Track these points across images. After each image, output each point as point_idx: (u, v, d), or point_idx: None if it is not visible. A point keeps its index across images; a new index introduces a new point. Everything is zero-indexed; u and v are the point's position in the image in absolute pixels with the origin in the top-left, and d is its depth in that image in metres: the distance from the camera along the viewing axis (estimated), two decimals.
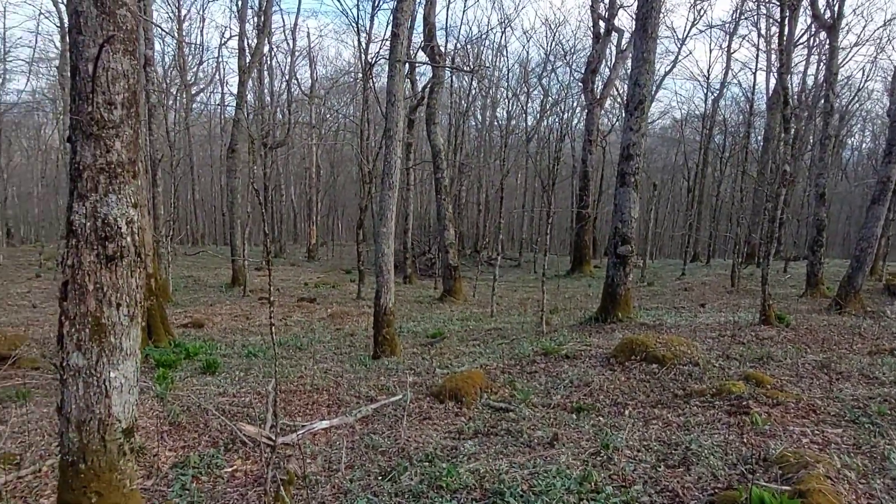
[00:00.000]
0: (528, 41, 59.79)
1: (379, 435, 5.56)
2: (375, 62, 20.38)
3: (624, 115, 10.98)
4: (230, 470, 5.01)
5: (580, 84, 27.69)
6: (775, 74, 23.00)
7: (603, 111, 28.97)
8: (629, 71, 12.09)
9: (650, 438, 5.02)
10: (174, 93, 33.11)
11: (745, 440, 4.76)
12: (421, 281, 22.83)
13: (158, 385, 6.78)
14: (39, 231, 29.81)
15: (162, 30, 24.81)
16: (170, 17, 32.11)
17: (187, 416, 6.01)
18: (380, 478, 4.51)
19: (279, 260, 29.55)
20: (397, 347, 9.26)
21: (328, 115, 38.27)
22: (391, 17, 10.13)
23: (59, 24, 25.96)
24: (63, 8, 25.62)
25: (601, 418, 5.75)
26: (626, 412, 5.87)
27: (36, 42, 43.50)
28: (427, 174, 33.19)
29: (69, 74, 3.11)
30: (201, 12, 41.77)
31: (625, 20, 42.12)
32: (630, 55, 24.43)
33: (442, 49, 20.25)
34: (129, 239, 3.16)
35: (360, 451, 5.19)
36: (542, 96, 35.87)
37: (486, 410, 6.19)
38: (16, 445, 5.24)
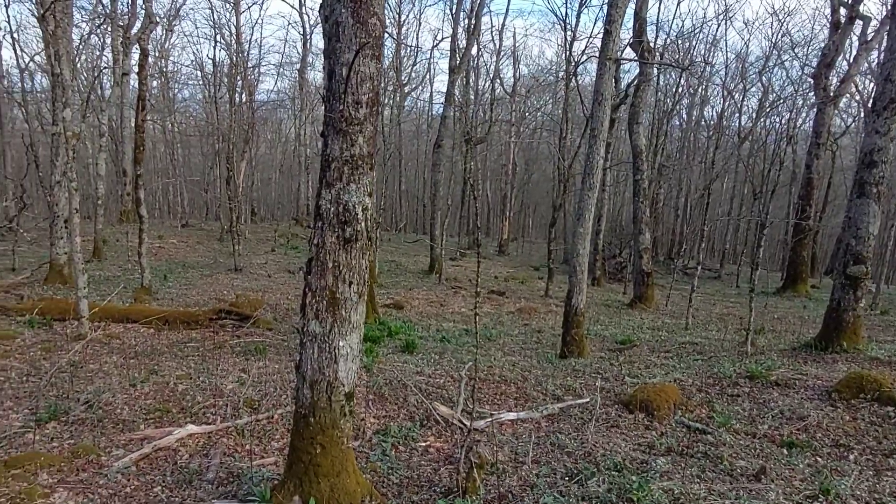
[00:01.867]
0: (749, 33, 54.15)
1: (565, 435, 5.53)
2: (582, 60, 20.07)
3: (865, 115, 9.42)
4: (424, 444, 5.37)
5: (810, 80, 24.40)
6: None
7: (836, 111, 25.21)
8: (876, 65, 10.34)
9: (883, 492, 4.32)
10: (390, 91, 36.06)
11: None
12: (609, 284, 22.09)
13: (366, 357, 7.48)
14: (276, 211, 34.68)
15: (389, 35, 27.13)
16: (390, 22, 34.94)
17: (389, 389, 6.55)
18: (566, 478, 4.49)
19: (471, 252, 30.74)
20: (585, 349, 9.10)
21: (528, 114, 38.65)
22: (604, 14, 9.89)
23: (301, 33, 29.71)
24: (307, 19, 29.26)
25: (819, 459, 5.08)
26: (852, 457, 5.11)
27: (284, 48, 50.29)
28: (623, 175, 31.90)
29: (326, 77, 3.55)
30: (418, 17, 44.69)
31: (871, 6, 36.12)
32: (879, 46, 20.83)
33: (651, 44, 19.29)
34: (363, 224, 3.54)
35: (546, 448, 5.22)
36: (760, 93, 32.33)
37: (679, 428, 5.83)
38: (255, 392, 6.18)
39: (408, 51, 35.68)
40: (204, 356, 7.69)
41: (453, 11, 24.35)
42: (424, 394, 6.49)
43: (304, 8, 29.53)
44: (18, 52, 22.20)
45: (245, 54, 24.82)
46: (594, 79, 12.54)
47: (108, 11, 17.38)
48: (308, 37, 29.64)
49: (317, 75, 36.09)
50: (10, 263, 13.13)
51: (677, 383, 7.25)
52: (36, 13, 11.60)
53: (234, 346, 8.29)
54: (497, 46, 32.87)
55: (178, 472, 4.39)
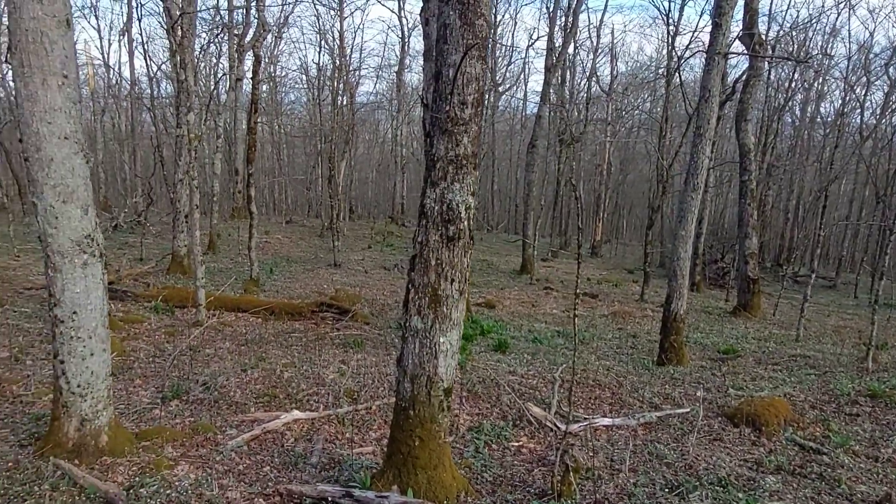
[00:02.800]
0: (875, 22, 49.36)
1: (663, 445, 5.33)
2: (686, 56, 19.18)
3: None
4: (517, 444, 5.36)
5: None
6: None
7: None
8: None
9: None
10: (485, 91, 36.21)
11: None
12: (710, 290, 20.98)
13: (460, 355, 7.56)
14: (372, 209, 35.83)
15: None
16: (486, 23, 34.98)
17: (482, 387, 6.60)
18: (666, 490, 4.33)
19: (563, 253, 30.24)
20: (684, 357, 8.71)
21: (625, 112, 37.43)
22: (711, 6, 9.41)
23: (400, 36, 30.48)
24: (405, 22, 29.97)
25: None
26: None
27: (383, 52, 51.84)
28: (727, 175, 30.12)
29: (433, 78, 3.64)
30: (514, 17, 44.50)
31: None
32: None
33: (762, 37, 18.07)
34: (465, 223, 3.59)
35: (643, 458, 5.06)
36: (886, 87, 29.41)
37: (790, 446, 5.46)
38: (354, 383, 6.43)
39: (503, 50, 35.63)
40: (306, 346, 8.10)
41: (550, 10, 24.07)
42: (517, 393, 6.48)
43: (402, 11, 30.35)
44: (148, 61, 24.46)
45: (347, 58, 25.79)
46: (698, 75, 11.93)
47: (225, 22, 18.72)
48: (406, 40, 30.37)
49: (413, 77, 36.88)
50: (138, 254, 14.44)
51: (787, 398, 6.79)
52: (164, 25, 12.65)
53: (333, 338, 8.66)
54: (594, 44, 32.10)
55: (284, 455, 4.65)
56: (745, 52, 16.51)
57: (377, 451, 4.89)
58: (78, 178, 3.63)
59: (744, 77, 16.88)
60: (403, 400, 3.79)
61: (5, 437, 4.41)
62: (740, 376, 8.16)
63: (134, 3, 23.34)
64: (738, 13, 16.77)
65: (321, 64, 30.99)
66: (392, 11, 58.11)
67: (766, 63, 22.62)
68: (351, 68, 25.63)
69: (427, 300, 3.64)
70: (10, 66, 3.50)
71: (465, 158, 3.54)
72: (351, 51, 29.02)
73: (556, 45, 21.68)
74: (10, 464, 3.91)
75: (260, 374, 6.52)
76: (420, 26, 10.48)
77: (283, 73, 32.27)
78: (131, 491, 3.72)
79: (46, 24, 3.43)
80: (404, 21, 30.20)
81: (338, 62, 24.72)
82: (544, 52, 20.92)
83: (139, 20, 24.27)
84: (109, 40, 35.62)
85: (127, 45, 23.65)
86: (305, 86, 34.42)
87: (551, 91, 22.33)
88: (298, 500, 3.81)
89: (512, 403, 6.24)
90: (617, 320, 13.27)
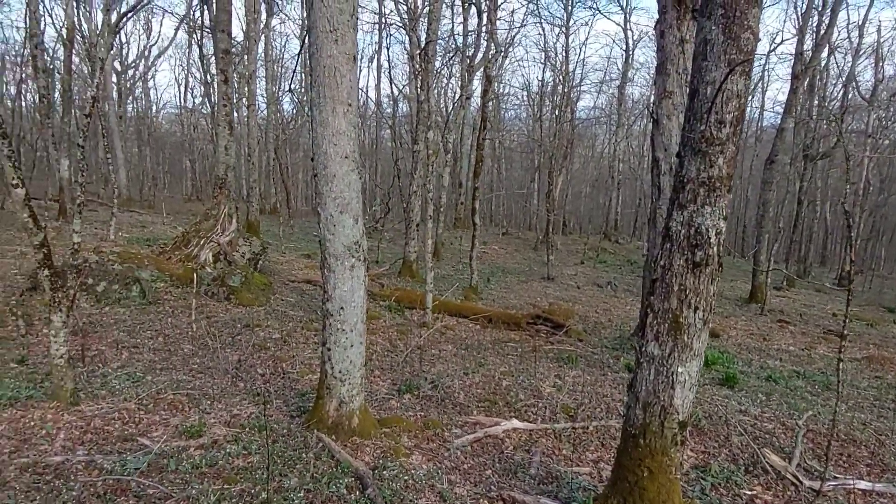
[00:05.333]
0: None
1: None
2: None
3: None
4: (750, 493, 4.84)
5: None
6: None
7: None
8: None
9: None
10: None
11: None
12: None
13: None
14: (585, 224, 35.44)
15: None
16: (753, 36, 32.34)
17: (709, 423, 6.10)
18: None
19: (801, 282, 26.54)
20: None
21: (891, 122, 31.61)
22: None
23: (624, 49, 29.72)
24: (630, 34, 29.12)
25: None
26: None
27: (607, 66, 51.11)
28: None
29: (688, 97, 3.48)
30: None
31: None
32: None
33: None
34: (714, 249, 3.37)
35: None
36: None
37: None
38: (570, 400, 6.41)
39: None
40: (522, 357, 8.28)
41: (801, 10, 21.39)
42: (750, 436, 5.87)
43: (628, 24, 29.48)
44: (391, 84, 27.32)
45: (570, 74, 25.88)
46: None
47: (458, 45, 20.10)
48: (630, 52, 29.47)
49: (634, 91, 35.55)
50: (374, 257, 16.15)
51: None
52: (408, 52, 14.01)
53: (547, 352, 8.72)
54: (853, 44, 27.68)
55: (504, 461, 4.81)
56: None
57: (594, 472, 4.81)
58: (353, 192, 4.21)
59: None
60: (633, 427, 3.68)
61: (279, 408, 5.26)
62: None
63: (383, 34, 26.27)
64: None
65: (543, 80, 31.54)
66: (617, 24, 56.86)
67: None
68: (573, 83, 25.66)
69: (666, 327, 3.48)
70: (290, 94, 4.18)
71: (718, 180, 3.32)
72: (575, 67, 29.01)
73: (806, 48, 19.18)
74: (284, 431, 4.66)
75: (480, 378, 6.84)
76: (647, 38, 10.08)
77: (507, 91, 33.52)
78: (375, 471, 4.17)
79: (339, 61, 4.05)
80: (629, 33, 29.35)
81: (560, 78, 24.92)
82: (788, 57, 18.64)
83: (388, 47, 27.12)
84: (360, 66, 40.51)
85: (375, 71, 26.58)
86: (526, 102, 35.31)
87: (797, 100, 19.80)
88: None
89: (744, 446, 5.66)
90: (872, 366, 11.24)
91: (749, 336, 12.93)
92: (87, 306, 7.82)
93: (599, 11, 39.73)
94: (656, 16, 9.31)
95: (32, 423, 4.36)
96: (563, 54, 27.61)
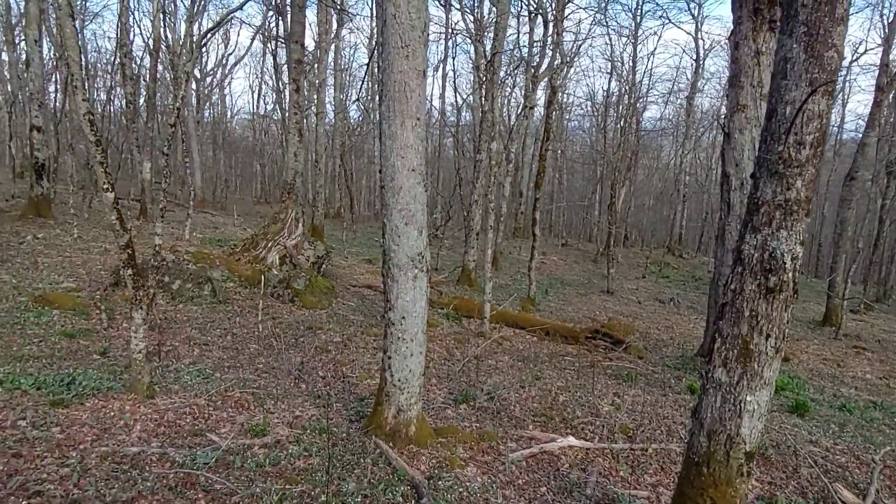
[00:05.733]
0: None
1: None
2: None
3: None
4: None
5: None
6: None
7: None
8: None
9: None
10: None
11: None
12: None
13: None
14: (646, 237, 34.52)
15: None
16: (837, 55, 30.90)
17: (776, 453, 5.83)
18: None
19: (881, 307, 24.93)
20: None
21: None
22: None
23: (694, 59, 28.87)
24: (702, 44, 28.30)
25: None
26: None
27: (675, 75, 49.79)
28: None
29: (765, 117, 3.37)
30: None
31: None
32: None
33: None
34: (790, 274, 3.24)
35: None
36: None
37: None
38: (629, 420, 6.26)
39: None
40: (579, 372, 8.15)
41: (887, 20, 20.20)
42: (821, 469, 5.57)
43: (699, 33, 28.57)
44: (455, 93, 27.55)
45: (637, 84, 25.37)
46: None
47: (523, 55, 20.09)
48: (701, 62, 28.57)
49: (703, 101, 34.42)
50: (433, 264, 16.30)
51: None
52: (474, 62, 14.11)
53: (606, 368, 8.56)
54: None
55: (560, 479, 4.76)
56: None
57: (653, 497, 4.69)
58: (418, 204, 4.29)
59: None
60: (697, 455, 3.57)
61: (339, 411, 5.40)
62: None
63: (450, 44, 26.56)
64: None
65: (608, 90, 31.02)
66: (688, 34, 55.35)
67: None
68: (639, 93, 25.13)
69: (735, 353, 3.37)
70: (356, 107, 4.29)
71: (795, 204, 3.20)
72: (642, 76, 28.39)
73: (892, 58, 18.04)
74: (343, 434, 4.78)
75: (536, 392, 6.78)
76: (719, 48, 9.77)
77: (570, 100, 33.16)
78: (431, 481, 4.22)
79: (409, 76, 4.14)
80: (701, 42, 28.36)
81: (626, 88, 24.47)
82: (872, 68, 17.59)
83: (453, 58, 27.34)
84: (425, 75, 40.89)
85: (440, 80, 26.88)
86: (590, 111, 34.82)
87: (883, 112, 18.69)
88: None
89: (814, 479, 5.39)
90: None
91: (822, 361, 12.27)
92: (162, 303, 8.26)
93: (670, 20, 38.86)
94: (730, 26, 9.03)
95: (112, 414, 4.64)
96: (630, 64, 27.11)
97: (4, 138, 25.18)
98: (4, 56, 23.21)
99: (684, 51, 48.58)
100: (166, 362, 6.21)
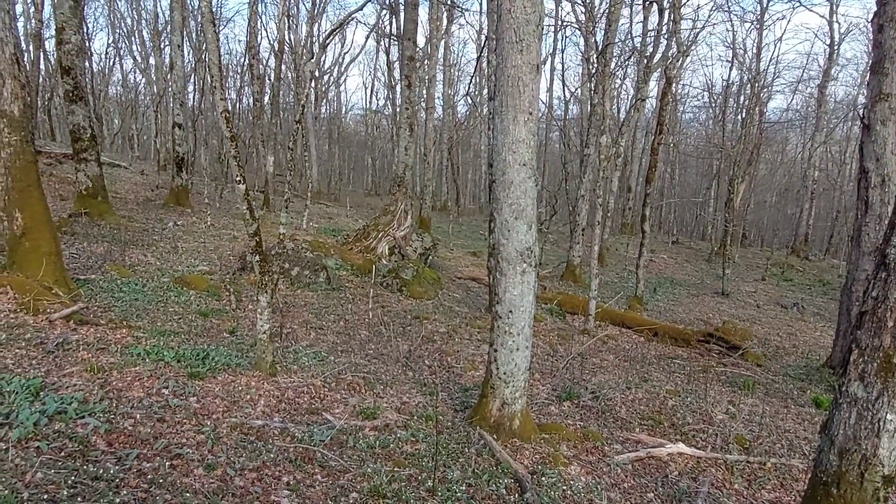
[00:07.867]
0: None
1: None
2: None
3: None
4: None
5: None
6: None
7: None
8: None
9: None
10: None
11: None
12: None
13: None
14: (767, 236, 32.12)
15: None
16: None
17: None
18: None
19: None
20: None
21: None
22: None
23: (828, 44, 26.34)
24: (837, 27, 25.83)
25: None
26: None
27: (806, 62, 45.80)
28: None
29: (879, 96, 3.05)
30: None
31: None
32: None
33: None
34: None
35: None
36: None
37: None
38: (746, 430, 5.92)
39: None
40: (690, 376, 7.80)
41: None
42: None
43: (834, 16, 25.92)
44: (564, 86, 26.99)
45: (762, 72, 23.59)
46: None
47: (635, 45, 19.32)
48: (836, 47, 25.94)
49: (838, 90, 31.35)
50: (538, 258, 16.17)
51: None
52: (583, 54, 13.75)
53: (719, 374, 8.12)
54: None
55: (668, 486, 4.60)
56: None
57: None
58: (528, 199, 4.29)
59: None
60: (825, 474, 3.32)
61: (444, 400, 5.55)
62: None
63: (558, 36, 26.07)
64: None
65: (728, 80, 29.05)
66: (821, 16, 50.56)
67: None
68: (763, 83, 23.29)
69: (875, 367, 3.09)
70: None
71: None
72: (767, 64, 26.24)
73: None
74: (448, 423, 4.91)
75: (643, 394, 6.58)
76: (857, 31, 8.85)
77: (686, 92, 31.40)
78: (534, 476, 4.23)
79: (523, 71, 4.15)
80: (836, 26, 25.66)
81: (749, 77, 22.81)
82: None
83: (562, 50, 26.83)
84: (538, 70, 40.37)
85: (548, 73, 26.53)
86: (707, 103, 32.83)
87: None
88: None
89: None
90: None
91: None
92: (283, 288, 8.84)
93: (801, 3, 35.46)
94: (872, 7, 8.19)
95: (239, 388, 5.06)
96: (754, 51, 25.19)
97: (151, 134, 27.98)
98: (153, 60, 25.75)
99: (816, 35, 44.33)
100: (286, 343, 6.67)
